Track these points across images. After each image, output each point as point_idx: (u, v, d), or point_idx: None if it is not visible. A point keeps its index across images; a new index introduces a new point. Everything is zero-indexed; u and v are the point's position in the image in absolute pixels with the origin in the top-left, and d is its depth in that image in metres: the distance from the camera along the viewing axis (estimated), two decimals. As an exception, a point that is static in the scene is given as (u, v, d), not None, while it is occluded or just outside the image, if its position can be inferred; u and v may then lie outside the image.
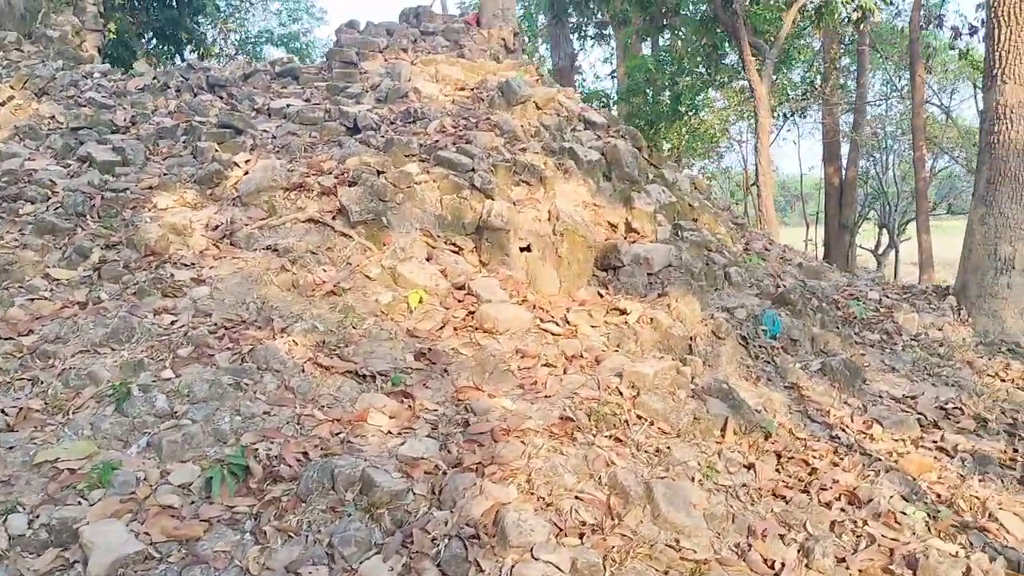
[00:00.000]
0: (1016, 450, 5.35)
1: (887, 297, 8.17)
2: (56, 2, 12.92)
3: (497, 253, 5.67)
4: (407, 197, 5.79)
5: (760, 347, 5.90)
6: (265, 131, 6.85)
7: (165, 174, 6.25)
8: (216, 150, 6.45)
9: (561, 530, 3.24)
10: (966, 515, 4.38)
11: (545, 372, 4.60)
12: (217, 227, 5.53)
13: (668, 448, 4.05)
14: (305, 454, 3.55)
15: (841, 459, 4.59)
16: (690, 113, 23.76)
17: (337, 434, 3.75)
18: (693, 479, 3.84)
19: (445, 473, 3.48)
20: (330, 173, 5.99)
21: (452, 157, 6.08)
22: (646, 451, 3.94)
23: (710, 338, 5.65)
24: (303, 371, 4.24)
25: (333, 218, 5.57)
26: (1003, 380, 6.76)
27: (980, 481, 4.76)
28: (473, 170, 6.04)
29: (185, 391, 3.93)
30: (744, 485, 3.95)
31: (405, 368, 4.50)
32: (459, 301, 5.18)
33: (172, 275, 5.10)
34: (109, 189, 5.94)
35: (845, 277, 9.05)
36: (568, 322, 5.25)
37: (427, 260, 5.41)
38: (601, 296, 5.76)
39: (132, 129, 6.94)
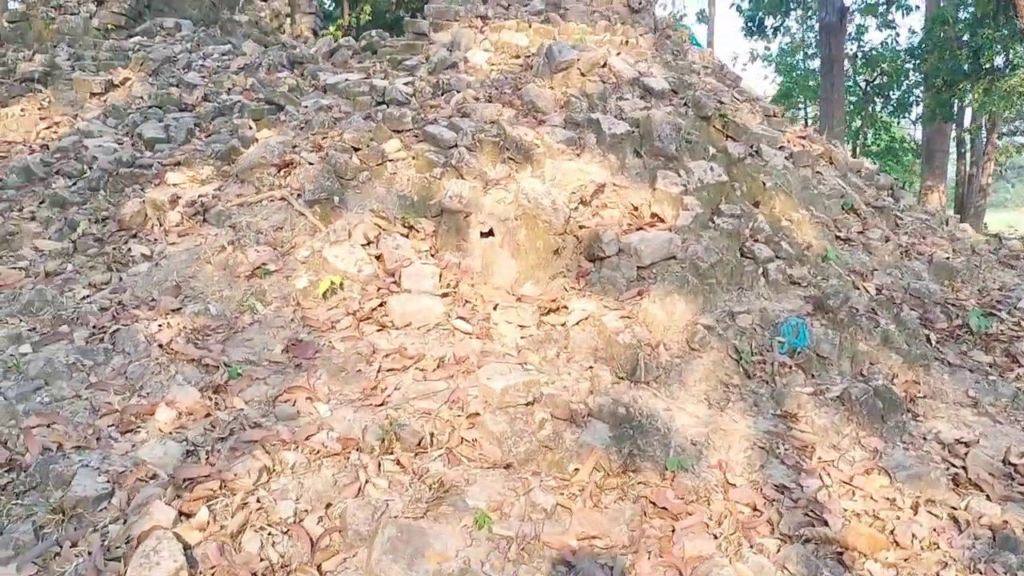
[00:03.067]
0: (1089, 534, 3.89)
1: (1046, 306, 6.30)
2: (262, -11, 14.01)
3: (453, 238, 5.17)
4: (374, 175, 5.47)
5: (761, 363, 4.81)
6: (306, 107, 6.85)
7: (197, 150, 6.50)
8: (251, 127, 6.57)
9: (214, 567, 2.83)
10: (894, 621, 3.25)
11: (408, 377, 4.09)
12: (193, 203, 5.63)
13: (466, 481, 3.40)
14: (60, 445, 3.46)
15: (751, 516, 3.61)
16: (1000, 70, 20.32)
17: (112, 426, 3.61)
18: (463, 524, 3.18)
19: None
20: (322, 150, 5.83)
21: (437, 132, 5.63)
22: (426, 482, 3.34)
23: (681, 348, 4.71)
24: (149, 356, 4.15)
25: (297, 197, 5.41)
26: None
27: (976, 572, 3.52)
28: (455, 146, 5.55)
29: (23, 368, 4.01)
30: (536, 537, 3.20)
31: (264, 361, 4.24)
32: (379, 290, 4.79)
33: (129, 250, 5.29)
34: (137, 165, 6.29)
35: (1010, 276, 7.13)
36: (489, 320, 4.64)
37: (366, 244, 5.06)
38: (566, 291, 5.03)
39: (199, 107, 7.30)
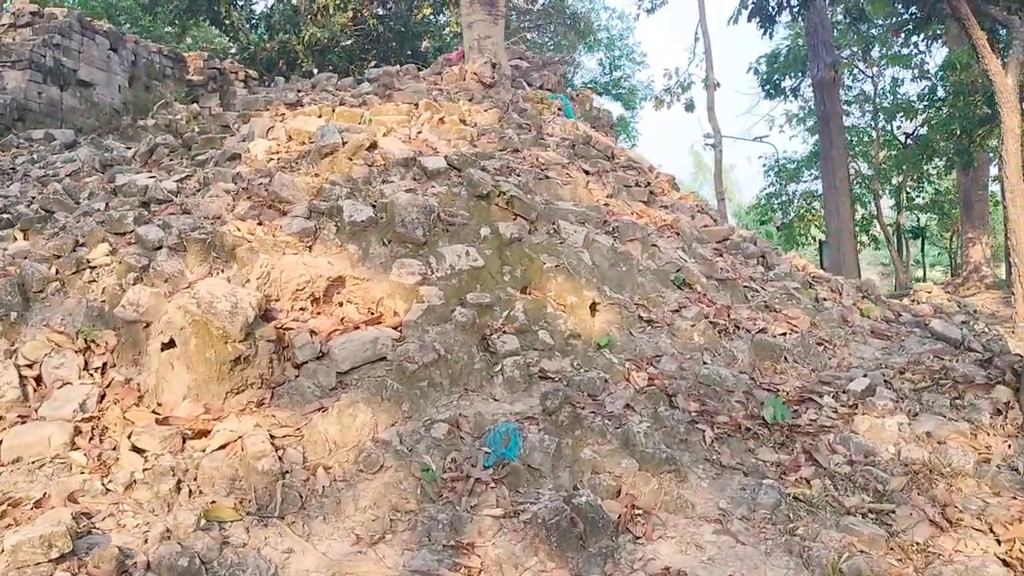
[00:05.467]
0: None
1: (888, 387, 5.40)
2: (184, 93, 14.01)
3: (130, 351, 4.61)
4: (67, 285, 4.98)
5: (454, 481, 4.07)
6: (81, 213, 6.47)
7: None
8: (15, 238, 6.20)
9: None
10: None
11: (-40, 528, 3.47)
12: None
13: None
14: None
15: None
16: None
17: None
18: None
19: None
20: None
21: (144, 233, 5.15)
22: None
23: (348, 471, 4.01)
24: None
25: (-13, 314, 4.93)
26: (979, 549, 4.10)
27: None
28: (161, 247, 5.05)
29: None
30: None
31: None
32: (18, 417, 4.22)
33: None
34: None
35: (871, 351, 6.23)
36: (119, 448, 4.02)
37: (29, 365, 4.52)
38: (246, 407, 4.39)
39: (-11, 219, 6.98)
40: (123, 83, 12.43)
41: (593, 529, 3.81)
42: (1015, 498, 4.39)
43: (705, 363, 5.51)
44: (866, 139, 29.74)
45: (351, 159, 5.99)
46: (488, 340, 4.95)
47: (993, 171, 25.86)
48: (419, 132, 6.73)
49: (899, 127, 28.49)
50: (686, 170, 57.22)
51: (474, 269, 5.26)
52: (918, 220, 34.84)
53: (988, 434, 4.94)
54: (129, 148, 8.23)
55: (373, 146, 6.06)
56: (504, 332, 4.99)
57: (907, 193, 29.42)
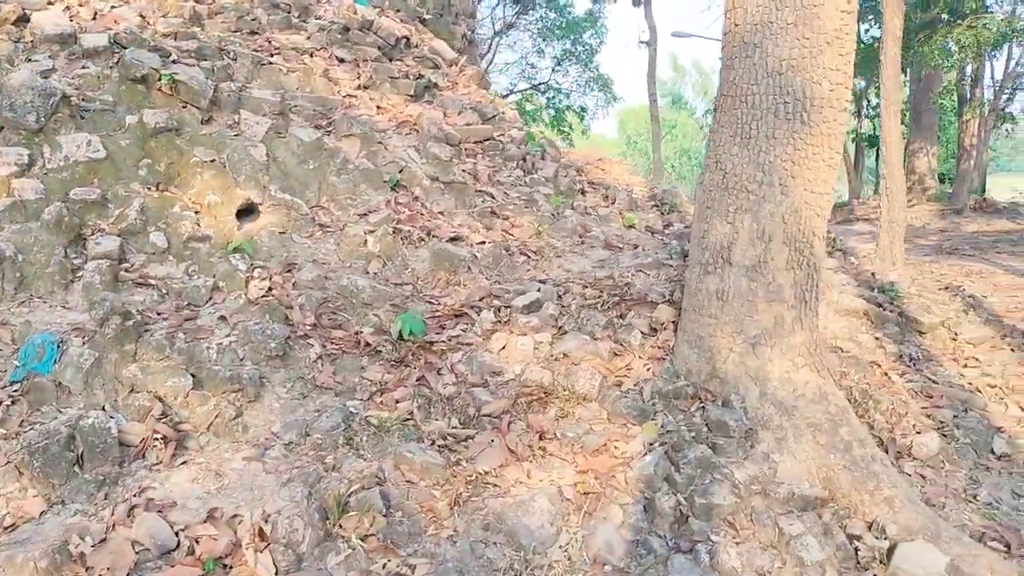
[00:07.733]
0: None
1: (558, 303, 5.03)
2: None
3: None
4: None
5: (-39, 400, 3.66)
6: None
7: None
8: None
9: None
10: None
11: None
12: None
13: None
14: None
15: None
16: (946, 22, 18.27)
17: None
18: None
19: None
20: None
21: None
22: None
23: None
24: None
25: None
26: (548, 480, 3.84)
27: None
28: None
29: None
30: None
31: None
32: None
33: None
34: None
35: (585, 263, 5.83)
36: None
37: None
38: None
39: None
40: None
41: (93, 454, 3.46)
42: (625, 424, 4.10)
43: (368, 272, 5.09)
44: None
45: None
46: (86, 241, 4.47)
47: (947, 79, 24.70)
48: (114, 7, 6.04)
49: (867, 31, 27.06)
50: (664, 71, 55.45)
51: (93, 161, 4.73)
52: (873, 128, 33.88)
53: (636, 356, 4.61)
54: None
55: (23, 20, 5.39)
56: (105, 233, 4.50)
57: (867, 100, 28.26)
